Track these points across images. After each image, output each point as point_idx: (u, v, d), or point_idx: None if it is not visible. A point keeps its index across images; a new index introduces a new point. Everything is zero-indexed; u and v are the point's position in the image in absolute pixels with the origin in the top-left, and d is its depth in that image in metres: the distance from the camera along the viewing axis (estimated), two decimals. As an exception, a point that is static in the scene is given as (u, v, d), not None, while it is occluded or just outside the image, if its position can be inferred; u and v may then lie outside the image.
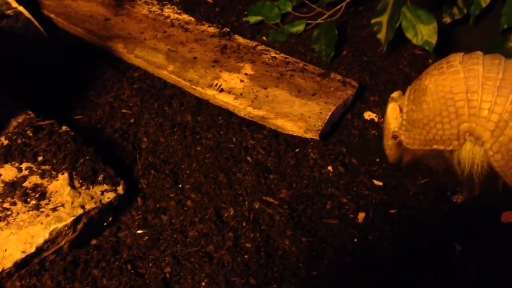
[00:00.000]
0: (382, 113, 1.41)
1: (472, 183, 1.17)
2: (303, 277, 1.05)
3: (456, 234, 1.12)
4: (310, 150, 1.31)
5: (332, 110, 1.36)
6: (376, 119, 1.40)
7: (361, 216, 1.16)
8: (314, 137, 1.33)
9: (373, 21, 1.52)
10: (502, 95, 1.03)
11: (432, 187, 1.23)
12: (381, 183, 1.23)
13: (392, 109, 1.17)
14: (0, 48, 1.45)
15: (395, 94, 1.21)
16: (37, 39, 1.49)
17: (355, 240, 1.12)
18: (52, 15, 1.61)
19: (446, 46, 1.54)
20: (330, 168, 1.26)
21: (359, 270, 1.07)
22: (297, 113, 1.36)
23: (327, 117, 1.34)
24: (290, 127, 1.34)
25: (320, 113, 1.35)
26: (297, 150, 1.31)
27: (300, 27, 1.65)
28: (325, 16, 1.63)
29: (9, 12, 1.48)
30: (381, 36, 1.51)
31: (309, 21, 1.65)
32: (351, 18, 1.69)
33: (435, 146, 1.13)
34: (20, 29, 1.49)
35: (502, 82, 1.04)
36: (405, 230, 1.13)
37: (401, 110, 1.16)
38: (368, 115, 1.42)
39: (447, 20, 1.52)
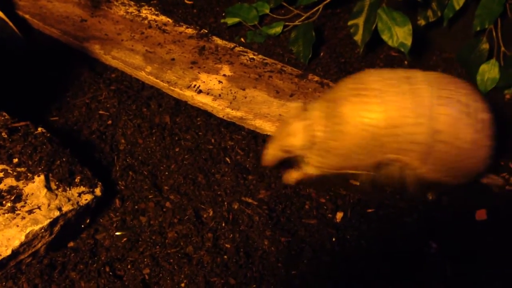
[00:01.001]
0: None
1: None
2: (283, 277, 1.05)
3: (432, 232, 1.14)
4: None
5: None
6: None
7: (339, 215, 1.18)
8: (293, 138, 1.33)
9: (349, 23, 1.54)
10: (420, 124, 1.03)
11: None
12: (358, 183, 1.24)
13: (302, 129, 1.10)
14: (-27, 49, 1.43)
15: (297, 106, 1.13)
16: (12, 40, 1.46)
17: (334, 239, 1.13)
18: (27, 16, 1.59)
19: (421, 48, 1.57)
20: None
21: (337, 269, 1.08)
22: (276, 114, 1.36)
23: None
24: (269, 128, 1.35)
25: (300, 114, 1.36)
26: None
27: (278, 29, 1.66)
28: (303, 18, 1.64)
29: (-18, 12, 1.46)
30: (358, 38, 1.53)
31: (286, 23, 1.66)
32: (328, 20, 1.71)
33: (351, 171, 1.12)
34: (-6, 30, 1.46)
35: (417, 110, 1.03)
36: (382, 229, 1.15)
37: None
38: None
39: (422, 22, 1.55)
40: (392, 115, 1.04)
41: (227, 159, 1.28)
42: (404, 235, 1.14)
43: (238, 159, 1.29)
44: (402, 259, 1.09)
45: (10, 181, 1.05)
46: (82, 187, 1.09)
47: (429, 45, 1.60)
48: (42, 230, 0.99)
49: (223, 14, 1.73)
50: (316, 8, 1.62)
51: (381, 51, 1.61)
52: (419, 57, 1.57)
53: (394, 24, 1.45)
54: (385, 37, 1.46)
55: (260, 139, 1.34)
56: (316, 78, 1.47)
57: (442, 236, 1.13)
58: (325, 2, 1.61)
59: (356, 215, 1.17)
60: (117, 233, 1.10)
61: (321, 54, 1.60)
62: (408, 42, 1.44)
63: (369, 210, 1.18)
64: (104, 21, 1.61)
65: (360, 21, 1.53)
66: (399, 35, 1.45)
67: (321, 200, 1.20)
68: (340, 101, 1.08)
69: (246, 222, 1.14)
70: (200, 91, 1.41)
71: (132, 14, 1.65)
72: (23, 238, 0.96)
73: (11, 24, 1.47)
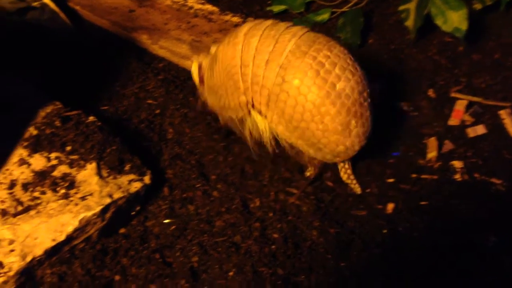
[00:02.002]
0: (410, 102, 1.38)
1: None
2: (332, 268, 1.03)
3: (491, 224, 1.09)
4: (336, 140, 1.28)
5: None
6: (404, 108, 1.37)
7: (390, 207, 1.14)
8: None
9: (400, 8, 1.49)
10: (270, 68, 1.05)
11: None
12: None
13: (194, 68, 1.21)
14: (27, 40, 1.47)
15: (210, 49, 1.20)
16: (63, 31, 1.50)
17: (384, 231, 1.10)
18: (77, 7, 1.62)
19: (476, 33, 1.49)
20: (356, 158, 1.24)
21: (388, 261, 1.05)
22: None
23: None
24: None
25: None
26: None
27: (325, 16, 1.62)
28: (351, 4, 1.60)
29: (35, 4, 1.50)
30: (409, 23, 1.47)
31: (334, 10, 1.63)
32: (377, 6, 1.65)
33: (227, 113, 1.16)
34: (46, 21, 1.50)
35: (271, 55, 1.05)
36: (436, 221, 1.11)
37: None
38: (397, 104, 1.39)
39: (478, 6, 1.48)
40: (246, 55, 1.07)
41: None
42: (460, 228, 1.09)
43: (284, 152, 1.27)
44: (458, 253, 1.05)
45: (63, 168, 1.07)
46: (132, 175, 1.11)
47: (485, 30, 1.53)
48: (95, 216, 1.01)
49: (269, 2, 1.71)
50: (365, -7, 1.58)
51: (434, 37, 1.54)
52: (475, 42, 1.50)
53: (448, 8, 1.39)
54: (438, 22, 1.40)
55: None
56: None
57: (502, 228, 1.08)
58: (374, -13, 1.56)
59: (408, 206, 1.13)
60: (166, 221, 1.11)
61: (370, 41, 1.56)
62: (463, 27, 1.37)
63: (422, 202, 1.14)
64: (151, 11, 1.63)
65: (412, 5, 1.47)
66: (454, 19, 1.39)
67: (369, 190, 1.17)
68: (219, 43, 1.15)
69: (294, 212, 1.13)
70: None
71: (179, 3, 1.65)
72: (76, 224, 0.98)
73: (62, 15, 1.50)
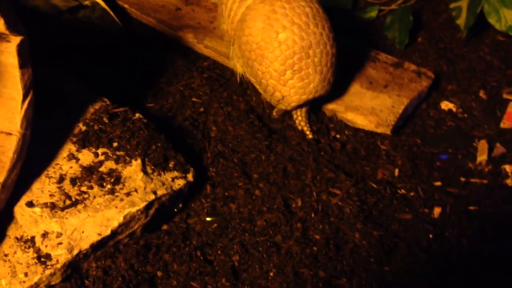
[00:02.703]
0: (460, 103, 1.34)
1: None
2: (374, 272, 1.01)
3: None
4: (381, 141, 1.26)
5: (406, 104, 1.30)
6: (454, 109, 1.33)
7: (436, 211, 1.11)
8: (385, 132, 1.28)
9: (451, 6, 1.44)
10: (240, 6, 1.19)
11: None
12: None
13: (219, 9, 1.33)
14: (77, 37, 1.51)
15: None
16: (112, 29, 1.53)
17: (430, 236, 1.07)
18: (126, 6, 1.65)
19: (533, 31, 1.43)
20: (402, 160, 1.21)
21: (434, 267, 1.02)
22: (368, 107, 1.31)
23: (400, 111, 1.28)
24: (361, 121, 1.30)
25: (393, 107, 1.30)
26: (367, 140, 1.27)
27: (372, 13, 1.59)
28: (400, 1, 1.56)
29: (86, 2, 1.54)
30: (461, 21, 1.43)
31: (382, 7, 1.59)
32: (427, 3, 1.61)
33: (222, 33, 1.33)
34: (96, 19, 1.54)
35: None
36: (486, 227, 1.07)
37: None
38: (445, 105, 1.35)
39: (535, 3, 1.41)
40: None
41: (317, 150, 1.25)
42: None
43: (327, 149, 1.25)
44: (508, 260, 1.01)
45: (110, 164, 1.09)
46: (175, 172, 1.12)
47: (542, 29, 1.46)
48: (139, 212, 1.03)
49: None
50: (415, -9, 1.54)
51: (486, 36, 1.49)
52: (531, 42, 1.44)
53: (503, 5, 1.34)
54: (491, 20, 1.35)
55: (351, 130, 1.29)
56: (413, 67, 1.39)
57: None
58: (424, -16, 1.52)
59: (455, 211, 1.10)
60: (208, 219, 1.12)
61: (419, 39, 1.52)
62: (519, 25, 1.32)
63: (471, 207, 1.10)
64: (197, 9, 1.64)
65: (464, 3, 1.42)
66: (508, 18, 1.33)
67: (415, 193, 1.14)
68: None
69: (336, 213, 1.11)
70: (290, 79, 1.39)
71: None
72: (121, 219, 1.00)
73: (111, 13, 1.54)
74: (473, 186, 1.15)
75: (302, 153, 1.24)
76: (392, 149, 1.24)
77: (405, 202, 1.13)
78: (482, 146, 1.23)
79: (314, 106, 1.30)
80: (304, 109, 1.25)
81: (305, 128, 1.27)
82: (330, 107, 1.32)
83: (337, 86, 1.34)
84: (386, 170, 1.19)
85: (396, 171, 1.20)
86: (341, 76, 1.37)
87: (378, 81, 1.37)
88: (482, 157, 1.21)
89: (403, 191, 1.16)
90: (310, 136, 1.26)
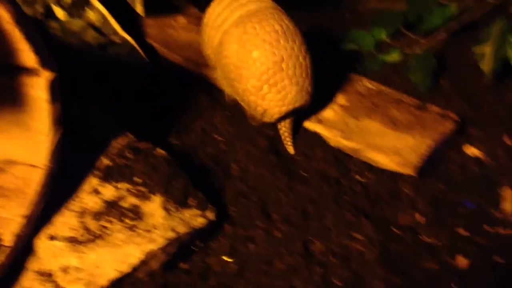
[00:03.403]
0: (485, 148, 1.32)
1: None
2: (395, 322, 0.99)
3: None
4: (404, 185, 1.25)
5: (429, 144, 1.29)
6: (478, 155, 1.31)
7: (461, 261, 1.08)
8: (409, 173, 1.26)
9: (475, 50, 1.44)
10: (217, 32, 1.30)
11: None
12: (484, 226, 1.14)
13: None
14: (106, 72, 1.55)
15: None
16: (140, 66, 1.57)
17: (454, 287, 1.03)
18: (154, 43, 1.69)
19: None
20: (425, 206, 1.19)
21: (458, 319, 0.99)
22: (391, 146, 1.30)
23: (424, 152, 1.27)
24: (383, 161, 1.29)
25: (416, 147, 1.29)
26: (390, 183, 1.26)
27: (395, 56, 1.60)
28: (423, 45, 1.57)
29: (116, 39, 1.58)
30: (485, 66, 1.43)
31: (405, 50, 1.60)
32: (451, 47, 1.61)
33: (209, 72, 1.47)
34: (125, 56, 1.58)
35: (223, 22, 1.29)
36: (512, 280, 1.04)
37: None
38: (470, 150, 1.33)
39: (561, 51, 1.40)
40: (209, 16, 1.35)
41: (337, 189, 1.25)
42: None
43: (348, 191, 1.24)
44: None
45: (131, 200, 1.10)
46: (195, 209, 1.12)
47: None
48: (158, 250, 1.02)
49: (338, 41, 1.71)
50: (438, 35, 1.54)
51: (511, 81, 1.48)
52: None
53: (528, 52, 1.33)
54: (517, 66, 1.34)
55: (373, 172, 1.29)
56: (437, 109, 1.39)
57: None
58: (447, 29, 1.52)
59: (481, 262, 1.07)
60: (227, 259, 1.11)
61: (443, 83, 1.52)
62: (545, 72, 1.31)
63: (498, 259, 1.07)
64: (222, 48, 1.67)
65: (488, 48, 1.43)
66: (534, 64, 1.33)
67: (440, 242, 1.12)
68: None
69: (357, 259, 1.09)
70: (313, 120, 1.39)
71: (249, 41, 1.69)
72: (141, 256, 1.00)
73: (140, 50, 1.58)
74: (499, 236, 1.12)
75: (323, 194, 1.24)
76: (415, 193, 1.23)
77: (428, 250, 1.11)
78: (508, 194, 1.21)
79: (298, 121, 1.37)
80: (287, 121, 1.32)
81: (287, 140, 1.35)
82: (352, 145, 1.32)
83: (359, 126, 1.35)
84: (408, 216, 1.18)
85: (419, 217, 1.18)
86: (364, 116, 1.38)
87: (402, 121, 1.36)
88: (508, 205, 1.18)
89: (426, 238, 1.14)
90: (291, 149, 1.34)
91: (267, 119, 1.31)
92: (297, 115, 1.34)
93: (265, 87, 1.23)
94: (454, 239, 1.12)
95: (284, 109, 1.27)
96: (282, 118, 1.30)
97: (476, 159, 1.31)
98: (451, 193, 1.23)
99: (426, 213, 1.18)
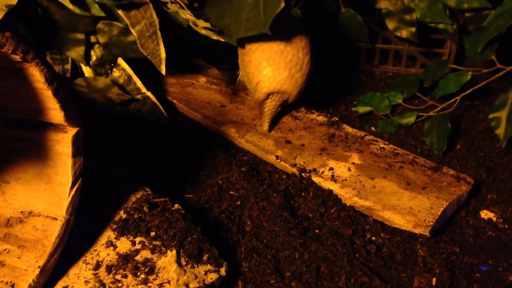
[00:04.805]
0: (501, 213, 1.31)
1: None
2: None
3: None
4: (419, 246, 1.23)
5: (445, 206, 1.29)
6: (494, 219, 1.30)
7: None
8: (423, 233, 1.26)
9: (490, 116, 1.46)
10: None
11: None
12: (500, 292, 1.11)
13: None
14: (127, 128, 1.61)
15: None
16: (160, 122, 1.62)
17: None
18: (174, 101, 1.76)
19: None
20: (441, 269, 1.18)
21: None
22: (406, 207, 1.30)
23: (439, 213, 1.27)
24: (398, 221, 1.29)
25: (431, 208, 1.29)
26: (404, 245, 1.25)
27: (410, 119, 1.63)
28: (438, 108, 1.60)
29: (138, 96, 1.65)
30: (500, 131, 1.44)
31: (420, 113, 1.63)
32: (466, 111, 1.64)
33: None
34: (146, 112, 1.64)
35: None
36: None
37: None
38: (485, 214, 1.32)
39: None
40: None
41: (352, 252, 1.24)
42: None
43: (361, 251, 1.24)
44: None
45: (146, 253, 1.11)
46: (208, 265, 1.12)
47: None
48: (169, 305, 1.02)
49: (354, 103, 1.75)
50: (453, 100, 1.57)
51: (526, 146, 1.49)
52: None
53: (542, 118, 1.35)
54: (532, 131, 1.35)
55: (388, 232, 1.28)
56: (452, 172, 1.39)
57: None
58: (462, 94, 1.56)
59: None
60: (238, 317, 1.10)
61: (458, 146, 1.53)
62: (560, 138, 1.32)
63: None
64: (241, 106, 1.72)
65: (503, 114, 1.44)
66: (548, 130, 1.34)
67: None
68: None
69: (370, 321, 1.07)
70: (327, 178, 1.41)
71: (267, 101, 1.74)
72: (151, 311, 1.00)
73: (160, 107, 1.64)
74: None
75: (337, 253, 1.23)
76: (429, 256, 1.21)
77: (443, 315, 1.08)
78: (525, 259, 1.19)
79: (284, 112, 1.62)
80: (273, 102, 1.53)
81: (266, 118, 1.56)
82: (367, 204, 1.33)
83: (375, 186, 1.35)
84: (423, 278, 1.16)
85: (434, 281, 1.16)
86: (379, 176, 1.39)
87: (416, 182, 1.37)
88: (525, 271, 1.16)
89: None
90: (266, 127, 1.57)
91: (258, 92, 1.52)
92: (284, 107, 1.57)
93: (264, 62, 1.47)
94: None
95: (273, 86, 1.48)
96: (270, 96, 1.52)
97: (492, 223, 1.30)
98: (467, 257, 1.22)
99: (441, 276, 1.16)
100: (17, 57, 0.86)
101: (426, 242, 1.24)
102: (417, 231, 1.26)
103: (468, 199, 1.36)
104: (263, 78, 1.48)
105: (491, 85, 1.57)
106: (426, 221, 1.26)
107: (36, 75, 0.90)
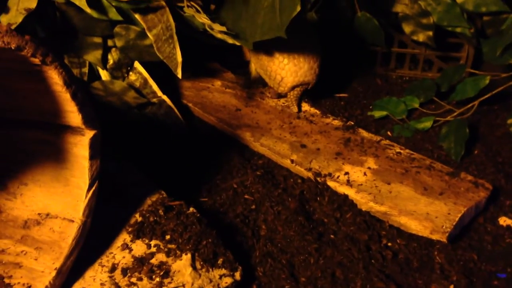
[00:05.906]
0: (520, 220, 1.29)
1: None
2: None
3: None
4: (436, 253, 1.22)
5: (462, 212, 1.27)
6: (513, 226, 1.28)
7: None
8: (441, 239, 1.24)
9: (509, 121, 1.44)
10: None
11: None
12: None
13: None
14: (143, 131, 1.61)
15: None
16: (175, 125, 1.63)
17: None
18: (190, 104, 1.77)
19: None
20: (458, 276, 1.16)
21: None
22: (423, 212, 1.29)
23: (456, 219, 1.25)
24: (415, 226, 1.28)
25: (449, 214, 1.27)
26: (421, 251, 1.23)
27: (427, 124, 1.61)
28: (455, 113, 1.58)
29: (154, 100, 1.66)
30: (519, 137, 1.42)
31: (437, 118, 1.61)
32: (484, 116, 1.62)
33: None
34: (161, 116, 1.64)
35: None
36: None
37: None
38: (504, 220, 1.30)
39: None
40: None
41: (368, 258, 1.23)
42: None
43: (377, 256, 1.22)
44: None
45: (161, 257, 1.12)
46: (223, 269, 1.12)
47: None
48: (184, 309, 1.02)
49: (370, 107, 1.74)
50: (471, 104, 1.55)
51: (546, 152, 1.46)
52: None
53: None
54: (551, 137, 1.33)
55: (405, 238, 1.27)
56: (470, 177, 1.37)
57: None
58: (480, 99, 1.54)
59: None
60: (252, 321, 1.09)
61: (475, 152, 1.51)
62: None
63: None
64: (256, 110, 1.72)
65: (522, 119, 1.42)
66: None
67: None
68: None
69: (387, 328, 1.06)
70: (343, 182, 1.40)
71: (282, 105, 1.74)
72: (166, 314, 1.00)
73: (176, 111, 1.64)
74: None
75: (352, 259, 1.22)
76: (447, 262, 1.20)
77: (461, 323, 1.07)
78: (545, 267, 1.16)
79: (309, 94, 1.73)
80: (297, 90, 1.67)
81: (293, 102, 1.69)
82: (383, 209, 1.31)
83: (391, 191, 1.34)
84: (440, 286, 1.14)
85: (451, 288, 1.14)
86: (395, 181, 1.38)
87: (433, 188, 1.35)
88: (545, 279, 1.14)
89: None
90: (295, 109, 1.69)
91: (282, 87, 1.67)
92: (305, 90, 1.70)
93: (286, 60, 1.62)
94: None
95: (297, 79, 1.63)
96: (293, 88, 1.66)
97: (510, 230, 1.28)
98: (485, 264, 1.20)
99: (458, 283, 1.14)
100: (36, 60, 0.87)
101: (444, 249, 1.22)
102: (434, 237, 1.25)
103: (487, 205, 1.34)
104: (286, 74, 1.63)
105: (509, 89, 1.55)
106: (444, 227, 1.24)
107: (55, 78, 0.91)
